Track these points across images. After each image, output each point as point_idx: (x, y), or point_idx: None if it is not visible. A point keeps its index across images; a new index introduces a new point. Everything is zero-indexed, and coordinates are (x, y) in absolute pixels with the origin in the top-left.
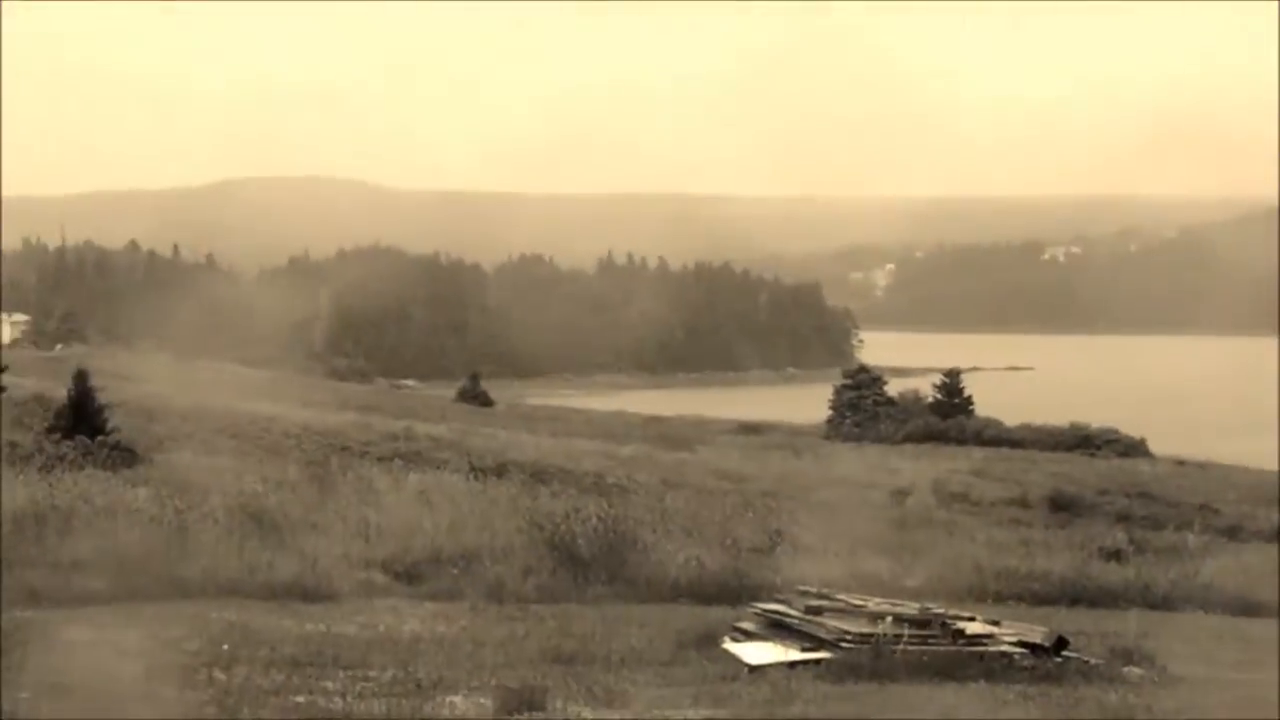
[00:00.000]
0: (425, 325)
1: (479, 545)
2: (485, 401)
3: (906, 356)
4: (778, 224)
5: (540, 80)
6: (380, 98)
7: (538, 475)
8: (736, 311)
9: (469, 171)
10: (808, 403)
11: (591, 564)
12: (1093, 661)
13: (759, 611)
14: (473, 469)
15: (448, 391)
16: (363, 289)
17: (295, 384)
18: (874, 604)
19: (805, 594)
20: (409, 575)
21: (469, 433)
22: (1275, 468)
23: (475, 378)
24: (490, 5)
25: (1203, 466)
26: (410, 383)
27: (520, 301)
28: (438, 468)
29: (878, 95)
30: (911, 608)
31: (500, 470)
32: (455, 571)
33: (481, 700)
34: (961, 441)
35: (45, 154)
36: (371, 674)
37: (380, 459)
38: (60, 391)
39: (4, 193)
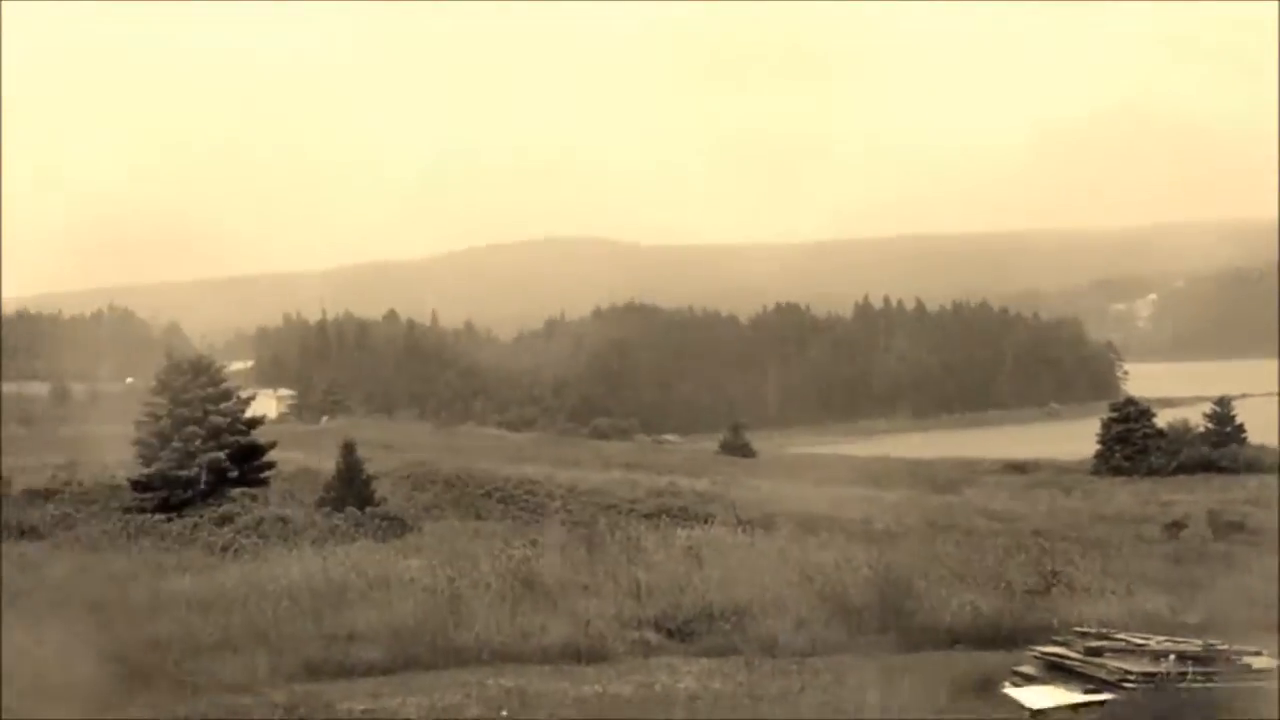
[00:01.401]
0: (684, 379)
1: (750, 599)
2: (747, 453)
3: (1173, 387)
4: (1034, 258)
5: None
6: (620, 157)
7: (804, 525)
8: (996, 349)
9: (720, 226)
10: (1074, 438)
11: (864, 613)
12: None
13: (1038, 655)
14: (739, 522)
15: (710, 444)
16: (620, 347)
17: (557, 445)
18: (1155, 642)
19: (1084, 635)
20: (681, 633)
21: (733, 485)
22: None
23: (736, 429)
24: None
25: None
26: (672, 438)
27: (777, 351)
28: (704, 522)
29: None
30: (1194, 644)
31: (766, 522)
32: (727, 627)
33: None
34: (1235, 471)
35: (303, 231)
36: None
37: (647, 516)
38: (328, 464)
39: (264, 270)
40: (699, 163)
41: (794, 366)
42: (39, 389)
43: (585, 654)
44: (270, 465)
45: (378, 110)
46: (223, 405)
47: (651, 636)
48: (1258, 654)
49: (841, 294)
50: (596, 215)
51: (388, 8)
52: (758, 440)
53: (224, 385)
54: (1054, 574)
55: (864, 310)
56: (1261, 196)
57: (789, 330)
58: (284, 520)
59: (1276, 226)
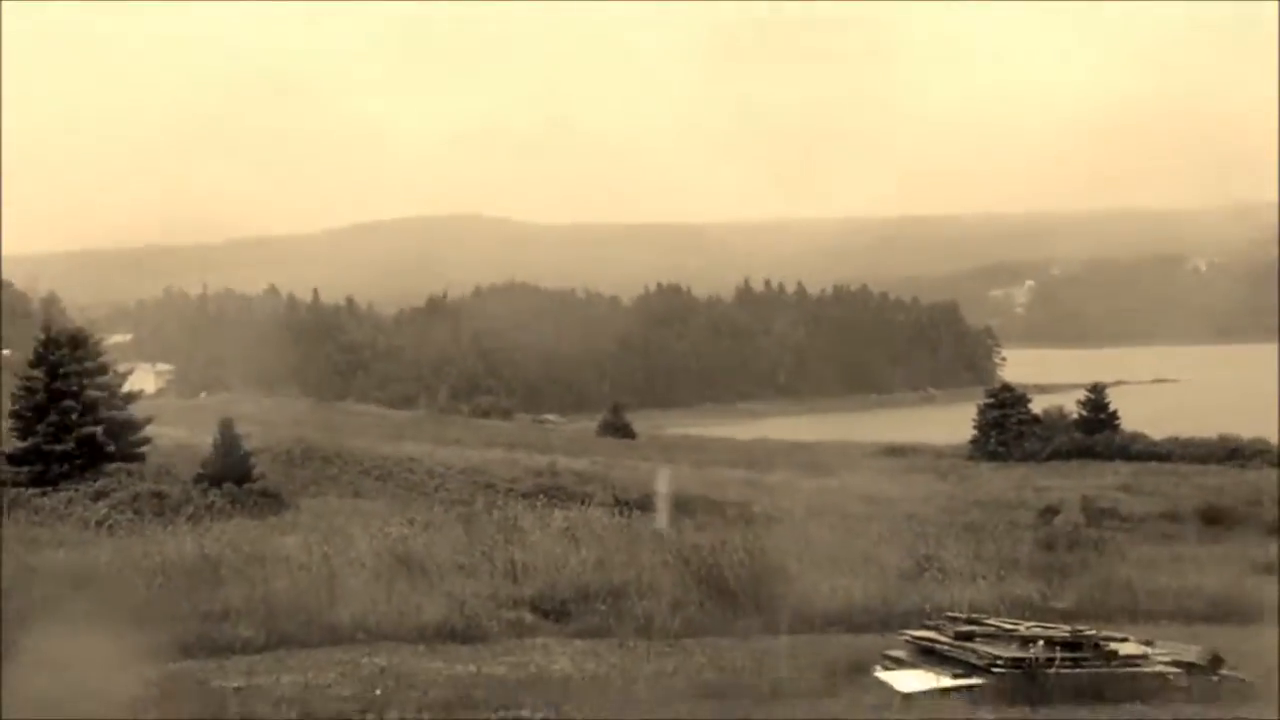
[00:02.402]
0: (565, 359)
1: (626, 581)
2: (627, 433)
3: (1049, 373)
4: (914, 244)
5: (667, 113)
6: (521, 136)
7: (682, 507)
8: (876, 334)
9: (603, 204)
10: (951, 423)
11: (740, 596)
12: (1249, 680)
13: (909, 639)
14: (617, 502)
15: (590, 425)
16: (501, 326)
17: (438, 423)
18: (1025, 628)
19: (955, 619)
20: (557, 613)
21: (612, 465)
22: None
23: (617, 410)
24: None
25: None
26: (552, 417)
27: (658, 332)
28: (582, 502)
29: (998, 108)
30: (1063, 630)
31: (644, 503)
32: (603, 608)
33: None
34: (1109, 457)
35: (182, 203)
36: (524, 714)
37: (525, 495)
38: (206, 440)
39: (145, 242)
40: (590, 142)
41: (675, 348)
42: None
43: (460, 633)
44: (146, 440)
45: (289, 77)
46: (100, 379)
47: (527, 617)
48: (1125, 640)
49: (723, 276)
50: (487, 192)
51: None
52: (638, 421)
53: (102, 359)
54: (927, 558)
55: (745, 293)
56: (1146, 187)
57: (670, 312)
58: (160, 496)
59: (1155, 215)
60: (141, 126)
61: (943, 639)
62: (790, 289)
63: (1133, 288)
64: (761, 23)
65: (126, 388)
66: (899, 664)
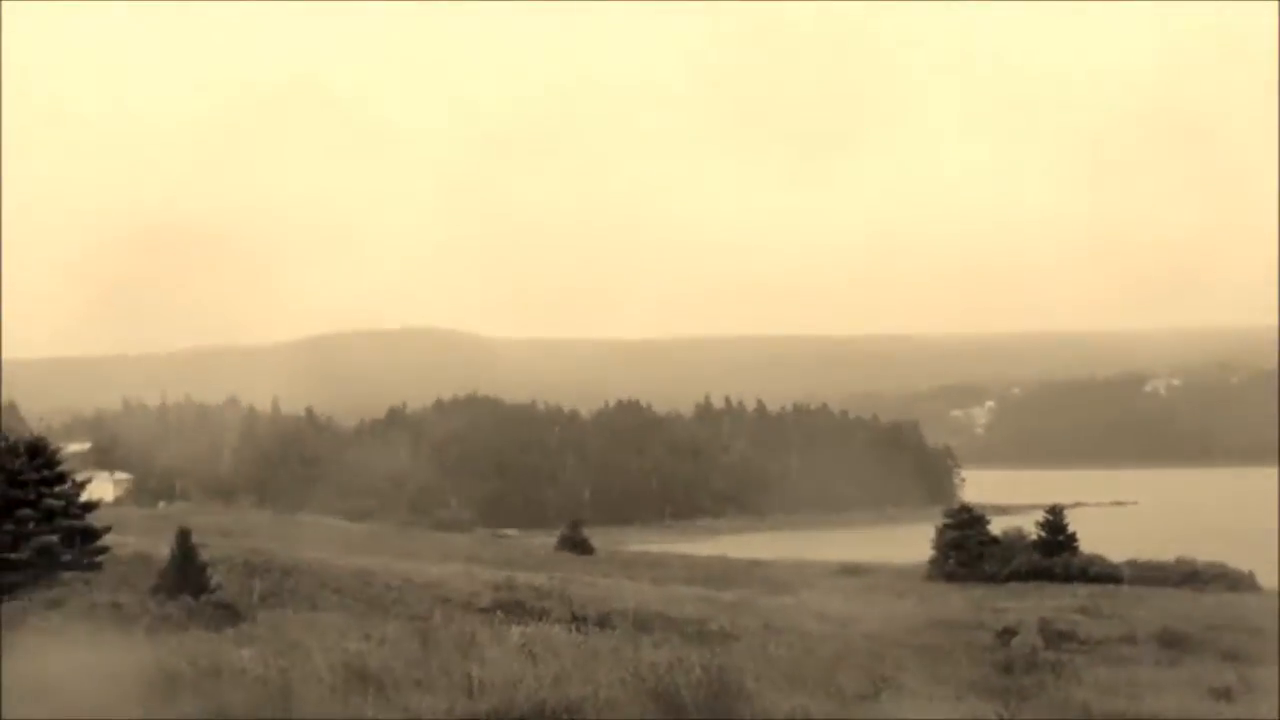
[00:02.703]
0: (524, 473)
1: (583, 697)
2: (585, 549)
3: (1009, 493)
4: (874, 363)
5: (623, 221)
6: (476, 247)
7: (640, 624)
8: (836, 452)
9: (561, 319)
10: (910, 542)
11: (696, 714)
12: None
13: None
14: (575, 619)
15: (549, 539)
16: (461, 439)
17: (396, 536)
18: None
19: None
20: None
21: (570, 581)
22: None
23: (575, 525)
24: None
25: None
26: (511, 532)
27: (618, 448)
28: (539, 618)
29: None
30: None
31: (602, 620)
32: None
33: None
34: (1067, 579)
35: (141, 313)
36: None
37: (482, 610)
38: (163, 549)
39: (103, 352)
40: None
41: (634, 464)
42: None
43: None
44: (104, 550)
45: (233, 172)
46: (58, 488)
47: None
48: None
49: (682, 393)
50: (452, 307)
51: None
52: (597, 536)
53: (60, 468)
54: (884, 679)
55: (705, 409)
56: (1093, 310)
57: (630, 427)
58: (117, 606)
59: (1113, 337)
60: (91, 233)
61: None
62: (750, 406)
63: (1092, 409)
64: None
65: (84, 497)
66: None
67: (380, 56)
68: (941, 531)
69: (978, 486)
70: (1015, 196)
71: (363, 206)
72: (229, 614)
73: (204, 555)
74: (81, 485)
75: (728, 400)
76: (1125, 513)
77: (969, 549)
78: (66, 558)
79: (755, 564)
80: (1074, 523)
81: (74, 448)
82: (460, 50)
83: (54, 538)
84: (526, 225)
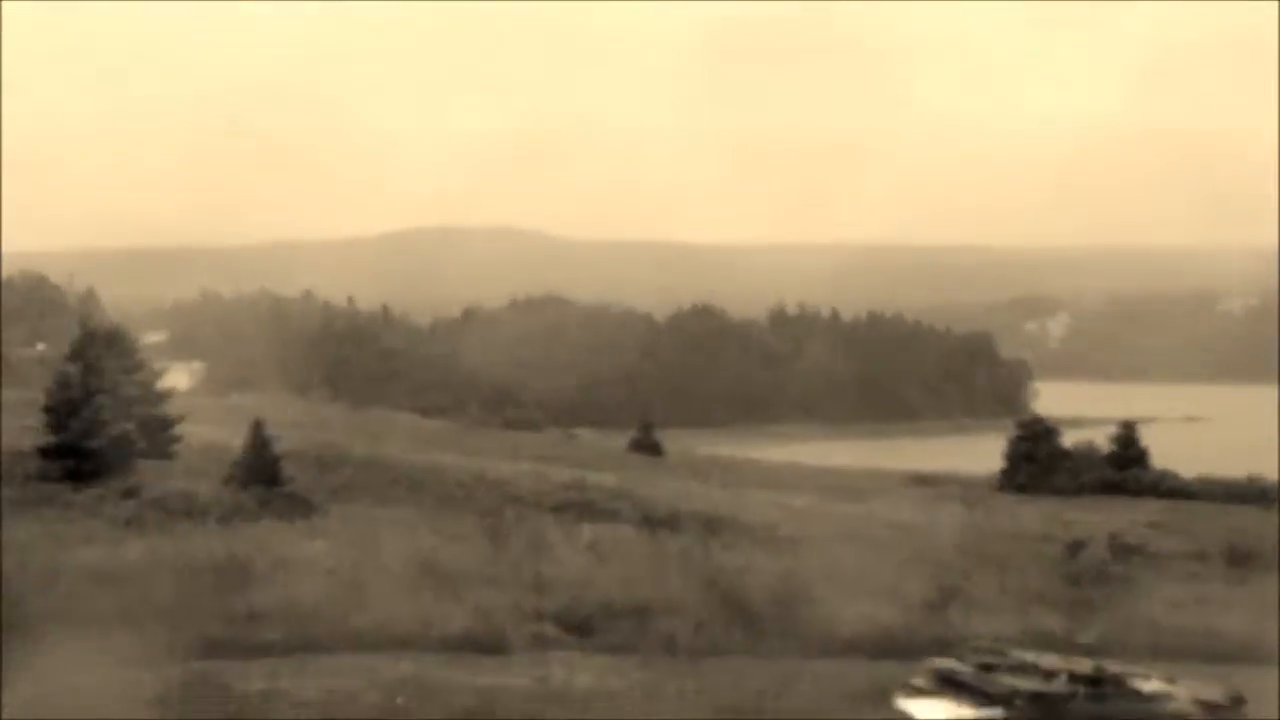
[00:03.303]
0: (597, 375)
1: (652, 598)
2: (657, 451)
3: (1081, 407)
4: (950, 273)
5: (711, 128)
6: (558, 149)
7: (709, 527)
8: (909, 362)
9: (639, 220)
10: (981, 453)
11: (764, 618)
12: None
13: (931, 667)
14: (645, 520)
15: (620, 441)
16: (535, 339)
17: (469, 434)
18: (1047, 661)
19: (978, 650)
20: (581, 628)
21: (640, 483)
22: None
23: (647, 427)
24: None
25: None
26: (583, 432)
27: (691, 352)
28: (610, 518)
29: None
30: (1086, 665)
31: (672, 521)
32: (628, 625)
33: None
34: (1138, 494)
35: (219, 204)
36: None
37: (553, 509)
38: (236, 440)
39: (182, 243)
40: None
41: (707, 368)
42: None
43: (484, 645)
44: (178, 439)
45: (327, 85)
46: (135, 376)
47: (551, 631)
48: (1148, 678)
49: (757, 298)
50: (532, 207)
51: None
52: (668, 440)
53: (138, 356)
54: (951, 589)
55: (778, 316)
56: (1168, 225)
57: (703, 332)
58: (189, 495)
59: (1186, 253)
60: (177, 130)
61: (965, 669)
62: (825, 314)
63: (1166, 325)
64: (780, 40)
65: (160, 385)
66: (920, 692)
67: None
68: (1013, 443)
69: (1050, 399)
70: (1090, 108)
71: (438, 106)
72: (301, 506)
73: (277, 447)
74: (158, 374)
75: (802, 307)
76: (1198, 429)
77: (1040, 461)
78: (142, 446)
79: (826, 471)
80: (1146, 438)
81: (151, 337)
82: None
83: (129, 425)
84: (597, 129)
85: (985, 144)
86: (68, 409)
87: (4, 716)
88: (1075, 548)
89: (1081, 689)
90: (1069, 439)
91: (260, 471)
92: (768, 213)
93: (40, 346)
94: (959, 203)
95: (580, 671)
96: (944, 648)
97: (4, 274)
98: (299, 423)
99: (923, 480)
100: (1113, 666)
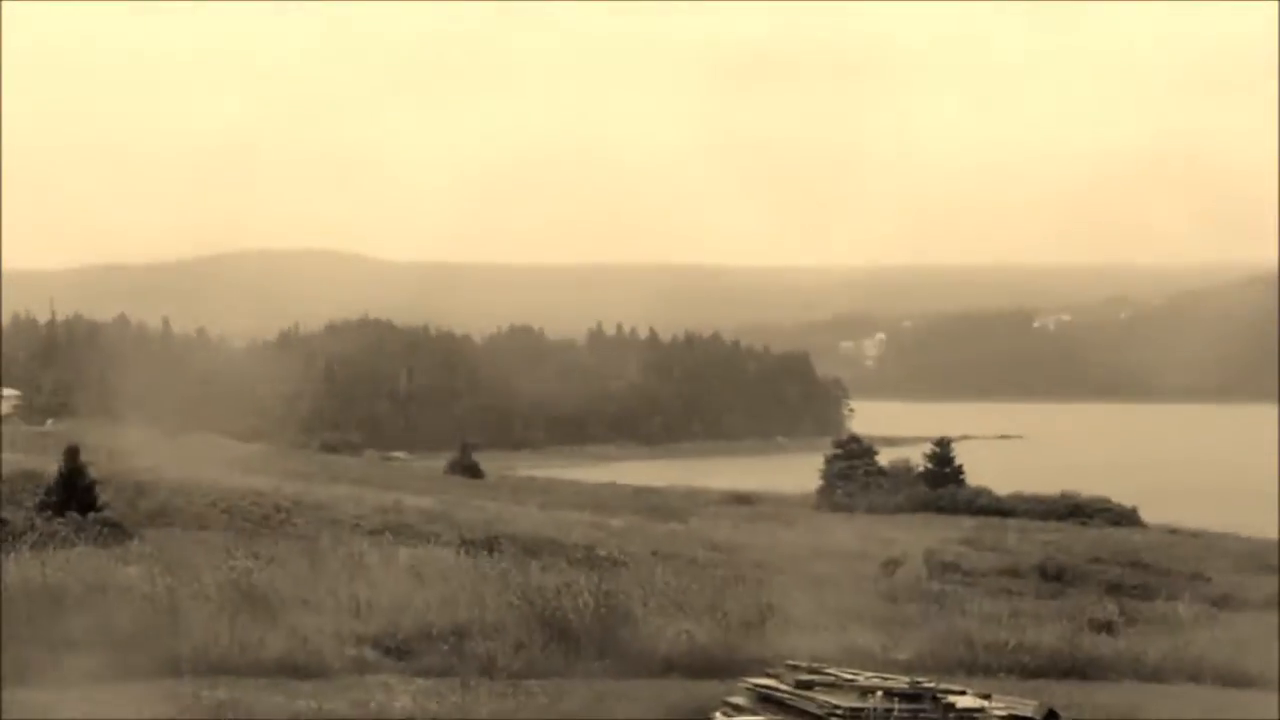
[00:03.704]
0: (415, 397)
1: (470, 620)
2: (475, 473)
3: (897, 426)
4: (767, 294)
5: (522, 147)
6: (366, 166)
7: (528, 548)
8: (726, 382)
9: (456, 242)
10: (798, 472)
11: (583, 638)
12: None
13: (750, 686)
14: (463, 542)
15: (438, 463)
16: (352, 362)
17: (286, 457)
18: (865, 678)
19: (796, 668)
20: (400, 651)
21: (459, 505)
22: (1269, 535)
23: (466, 449)
24: (468, 70)
25: (1195, 535)
26: (400, 455)
27: (510, 373)
28: (428, 541)
29: (856, 166)
30: (902, 681)
31: (491, 543)
32: (446, 647)
33: None
34: (953, 511)
35: (34, 228)
36: None
37: (371, 532)
38: (51, 467)
39: None
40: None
41: (525, 390)
42: None
43: (303, 669)
44: None
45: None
46: None
47: (370, 654)
48: (963, 693)
49: (575, 319)
50: (347, 229)
51: None
52: (486, 461)
53: None
54: (770, 606)
55: (597, 336)
56: (985, 245)
57: (522, 352)
58: (2, 522)
59: (1004, 270)
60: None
61: (783, 687)
62: (642, 334)
63: (982, 343)
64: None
65: None
66: (739, 710)
67: None
68: (830, 462)
69: (867, 418)
70: (910, 130)
71: (258, 126)
72: (116, 532)
73: (92, 473)
74: None
75: (619, 328)
76: (1012, 446)
77: (856, 479)
78: None
79: (644, 491)
80: (961, 455)
81: None
82: None
83: None
84: (415, 148)
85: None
86: None
87: None
88: (891, 565)
89: (898, 705)
90: (885, 457)
91: (75, 498)
92: (586, 235)
93: None
94: (774, 223)
95: (399, 695)
96: (762, 666)
97: None
98: (115, 449)
99: (741, 499)
100: (928, 683)
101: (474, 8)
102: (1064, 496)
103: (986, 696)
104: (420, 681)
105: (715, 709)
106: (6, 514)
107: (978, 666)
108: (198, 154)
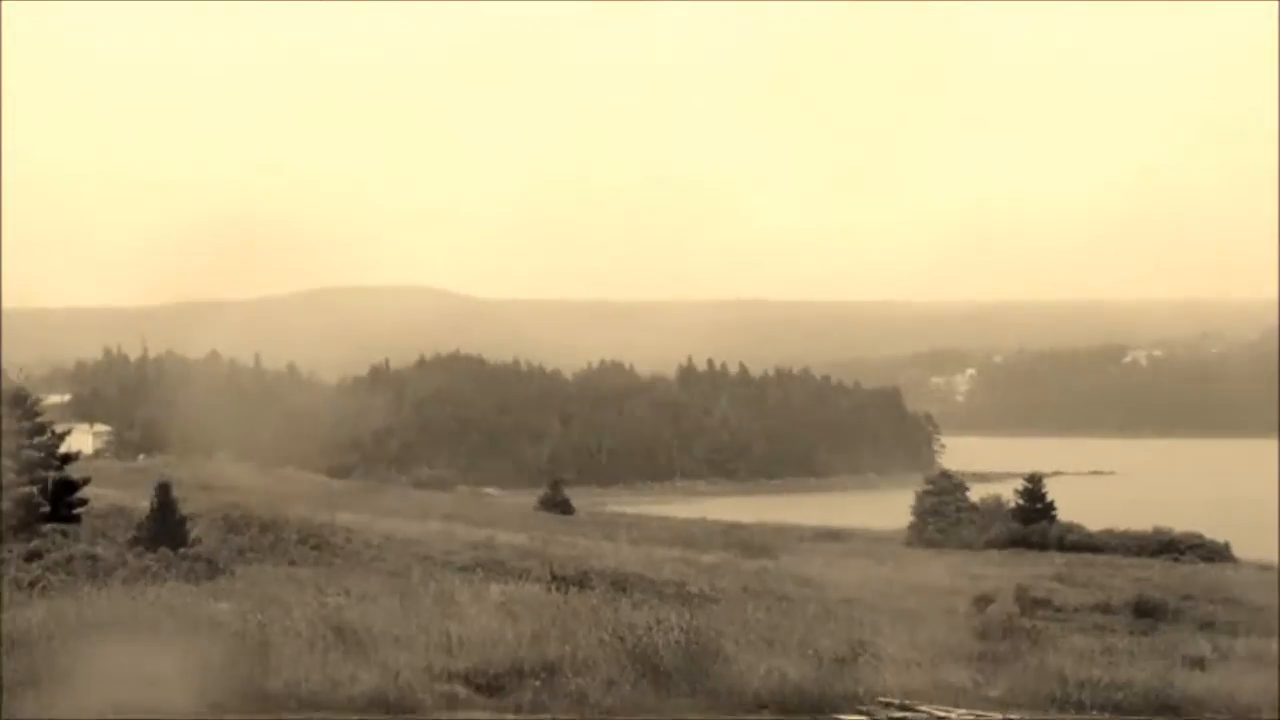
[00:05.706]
0: (506, 433)
1: (561, 656)
2: (566, 509)
3: (988, 461)
4: (857, 328)
5: (617, 186)
6: (466, 208)
7: (619, 584)
8: (817, 417)
9: (548, 279)
10: (889, 508)
11: (674, 675)
12: None
13: None
14: (554, 578)
15: (529, 499)
16: (444, 397)
17: (377, 492)
18: (957, 715)
19: (888, 705)
20: (491, 687)
21: (550, 541)
22: None
23: (556, 485)
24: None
25: None
26: (492, 490)
27: (600, 408)
28: (519, 577)
29: (948, 201)
30: (994, 717)
31: (581, 579)
32: (537, 684)
33: None
34: (1044, 547)
35: (127, 264)
36: None
37: (462, 568)
38: (142, 503)
39: (84, 304)
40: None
41: (616, 425)
42: None
43: (394, 705)
44: (83, 502)
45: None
46: (37, 439)
47: (461, 690)
48: None
49: (666, 355)
50: (440, 266)
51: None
52: (577, 497)
53: (39, 419)
54: (861, 643)
55: (687, 372)
56: (1089, 278)
57: (612, 388)
58: (94, 558)
59: (1096, 306)
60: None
61: None
62: (733, 369)
63: (1073, 379)
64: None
65: (64, 449)
66: None
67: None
68: (921, 498)
69: (957, 454)
70: (998, 166)
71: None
72: (207, 567)
73: (183, 509)
74: (61, 437)
75: (710, 363)
76: (1103, 482)
77: (948, 515)
78: (45, 509)
79: (734, 527)
80: (1052, 491)
81: (54, 399)
82: None
83: (33, 489)
84: (515, 187)
85: (891, 203)
86: None
87: None
88: (983, 601)
89: None
90: (976, 493)
91: (166, 533)
92: (678, 269)
93: None
94: (866, 259)
95: None
96: (854, 703)
97: None
98: (206, 484)
99: (831, 535)
100: (1019, 718)
101: (575, 40)
102: (1156, 532)
103: None
104: (511, 718)
105: None
106: (98, 549)
107: (1070, 703)
108: (291, 189)
